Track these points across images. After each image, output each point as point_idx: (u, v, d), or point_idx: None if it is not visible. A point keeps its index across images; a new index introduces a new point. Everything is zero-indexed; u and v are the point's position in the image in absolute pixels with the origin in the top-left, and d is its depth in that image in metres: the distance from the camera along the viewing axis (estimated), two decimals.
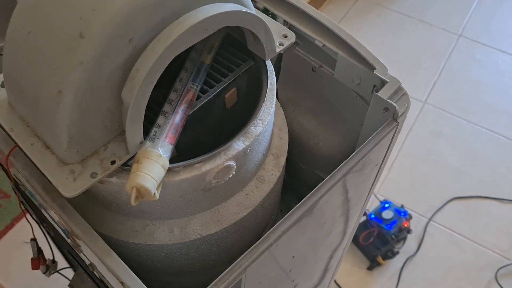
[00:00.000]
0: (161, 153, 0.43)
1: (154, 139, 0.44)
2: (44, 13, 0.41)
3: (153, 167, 0.41)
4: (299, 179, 0.79)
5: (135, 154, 0.43)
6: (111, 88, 0.41)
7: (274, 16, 0.65)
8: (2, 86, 0.49)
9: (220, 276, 0.43)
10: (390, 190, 1.62)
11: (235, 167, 0.49)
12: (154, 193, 0.41)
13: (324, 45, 0.62)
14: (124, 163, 0.45)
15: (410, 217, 1.51)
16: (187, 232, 0.52)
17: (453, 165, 1.72)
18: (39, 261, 0.72)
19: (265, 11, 0.66)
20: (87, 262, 0.52)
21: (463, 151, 1.77)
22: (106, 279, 0.48)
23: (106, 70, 0.40)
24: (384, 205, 1.52)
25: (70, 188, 0.42)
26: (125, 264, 0.43)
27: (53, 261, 0.78)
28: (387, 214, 1.49)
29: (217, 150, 0.47)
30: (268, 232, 0.46)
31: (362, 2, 2.28)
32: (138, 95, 0.41)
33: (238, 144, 0.49)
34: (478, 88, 1.96)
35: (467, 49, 2.10)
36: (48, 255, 0.77)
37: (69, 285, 0.72)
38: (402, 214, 1.50)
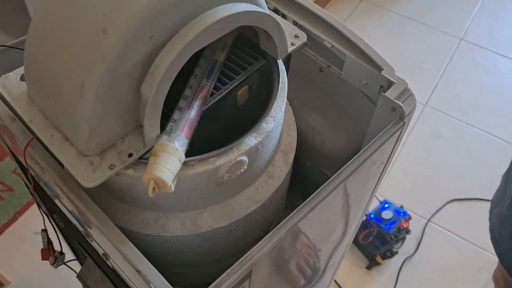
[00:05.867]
0: (177, 146, 0.44)
1: (170, 133, 0.45)
2: (68, 9, 0.42)
3: (170, 160, 0.43)
4: (304, 177, 0.80)
5: (152, 147, 0.45)
6: (131, 83, 0.43)
7: (284, 17, 0.67)
8: (22, 79, 0.50)
9: (232, 267, 0.44)
10: (390, 191, 1.63)
11: (247, 162, 0.50)
12: (170, 185, 0.42)
13: (332, 46, 0.64)
14: (140, 156, 0.46)
15: (409, 218, 1.53)
16: (198, 224, 0.53)
17: (453, 167, 1.74)
18: (49, 251, 0.73)
19: (275, 11, 0.67)
20: (101, 252, 0.53)
21: (462, 153, 1.78)
22: (120, 268, 0.50)
23: (127, 65, 0.41)
24: (384, 205, 1.53)
25: (89, 178, 0.44)
26: (140, 253, 0.45)
27: (61, 253, 0.79)
28: (387, 214, 1.51)
29: (231, 145, 0.49)
30: (278, 226, 0.47)
31: (365, 4, 2.30)
32: (157, 90, 0.42)
33: (251, 140, 0.50)
34: (479, 91, 1.98)
35: (469, 53, 2.12)
36: (56, 247, 0.78)
37: (77, 276, 0.73)
38: (402, 214, 1.51)
